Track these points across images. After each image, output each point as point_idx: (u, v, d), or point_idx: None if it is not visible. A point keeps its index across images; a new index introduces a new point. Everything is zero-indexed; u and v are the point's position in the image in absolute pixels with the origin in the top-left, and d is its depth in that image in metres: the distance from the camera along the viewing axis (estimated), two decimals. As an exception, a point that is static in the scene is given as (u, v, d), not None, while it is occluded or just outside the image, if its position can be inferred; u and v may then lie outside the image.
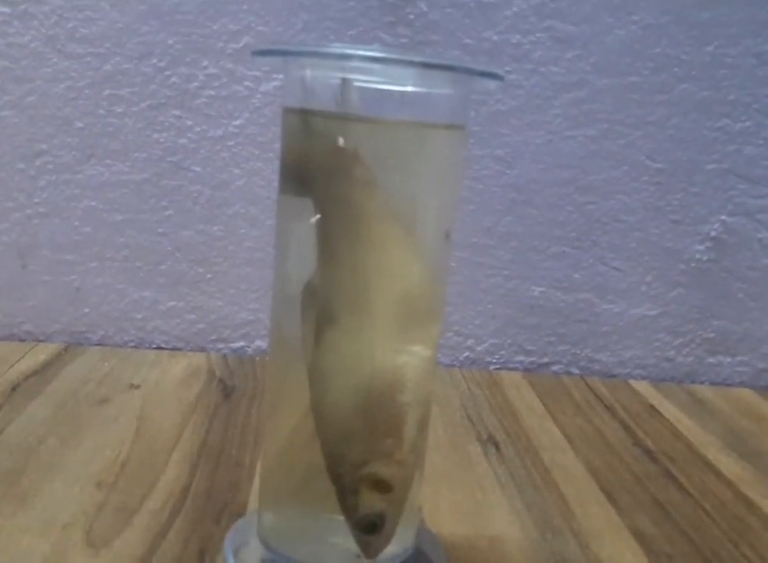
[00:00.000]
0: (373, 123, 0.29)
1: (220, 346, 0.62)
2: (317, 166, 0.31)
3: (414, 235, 0.30)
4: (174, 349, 0.62)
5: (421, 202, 0.30)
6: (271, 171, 0.60)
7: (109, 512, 0.37)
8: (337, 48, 0.27)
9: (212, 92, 0.58)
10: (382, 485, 0.30)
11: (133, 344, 0.62)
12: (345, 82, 0.29)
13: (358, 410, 0.30)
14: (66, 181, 0.59)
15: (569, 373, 0.65)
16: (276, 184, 0.60)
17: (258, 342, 0.62)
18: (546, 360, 0.64)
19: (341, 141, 0.30)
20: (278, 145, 0.59)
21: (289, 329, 0.32)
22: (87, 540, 0.34)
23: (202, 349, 0.62)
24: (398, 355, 0.31)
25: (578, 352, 0.64)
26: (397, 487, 0.30)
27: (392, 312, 0.31)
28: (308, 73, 0.29)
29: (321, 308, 0.31)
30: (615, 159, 0.62)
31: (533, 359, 0.64)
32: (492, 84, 0.29)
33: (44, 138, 0.58)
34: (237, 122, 0.59)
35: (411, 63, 0.27)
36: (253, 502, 0.39)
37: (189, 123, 0.59)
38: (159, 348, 0.62)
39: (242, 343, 0.62)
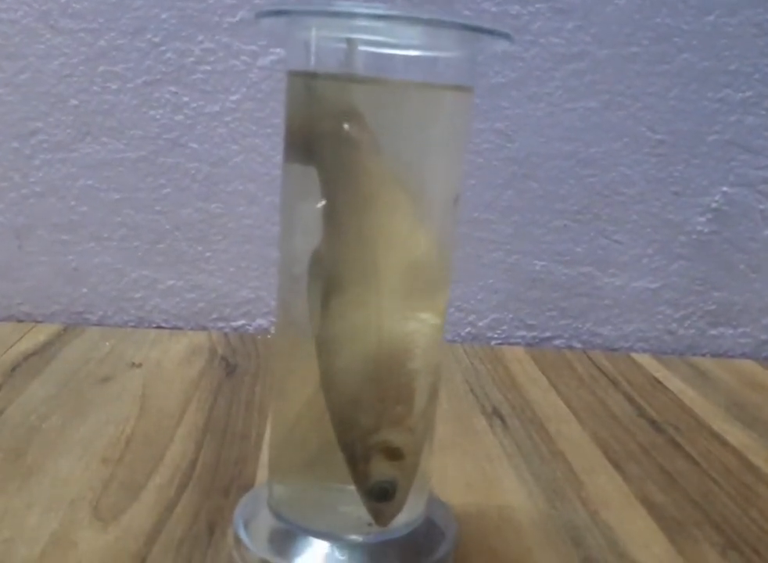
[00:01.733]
0: (379, 85, 0.28)
1: (221, 324, 0.62)
2: (321, 131, 0.30)
3: (422, 201, 0.30)
4: (174, 328, 0.61)
5: (429, 167, 0.29)
6: (270, 147, 0.59)
7: (116, 488, 0.36)
8: (342, 6, 0.26)
9: (208, 67, 0.57)
10: (393, 453, 0.30)
11: (132, 324, 0.61)
12: (350, 42, 0.28)
13: (367, 378, 0.30)
14: (62, 160, 0.58)
15: (571, 347, 0.64)
16: (275, 160, 0.60)
17: (259, 321, 0.62)
18: (548, 334, 0.64)
19: (346, 127, 0.29)
20: (276, 120, 0.59)
21: (296, 307, 0.31)
22: (95, 515, 0.34)
23: (203, 328, 0.62)
24: (406, 323, 0.30)
25: (580, 326, 0.64)
26: (408, 454, 0.30)
27: (399, 280, 0.30)
28: (313, 33, 0.28)
29: (327, 277, 0.30)
30: (616, 131, 0.61)
31: (535, 333, 0.64)
32: (500, 45, 0.28)
33: (38, 116, 0.57)
34: (234, 97, 0.58)
35: (418, 21, 0.26)
36: (261, 475, 0.39)
37: (185, 99, 0.58)
38: (159, 327, 0.61)
39: (243, 322, 0.62)
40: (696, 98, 0.61)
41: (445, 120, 0.29)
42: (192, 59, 0.57)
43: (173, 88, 0.57)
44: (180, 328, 0.61)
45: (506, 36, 0.28)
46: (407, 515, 0.31)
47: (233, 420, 0.45)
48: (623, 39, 0.60)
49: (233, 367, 0.53)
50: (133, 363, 0.52)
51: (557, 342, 0.64)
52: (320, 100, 0.30)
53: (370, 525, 0.31)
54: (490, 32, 0.27)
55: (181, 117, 0.58)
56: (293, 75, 0.30)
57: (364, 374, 0.30)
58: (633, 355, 0.63)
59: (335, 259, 0.30)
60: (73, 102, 0.57)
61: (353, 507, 0.31)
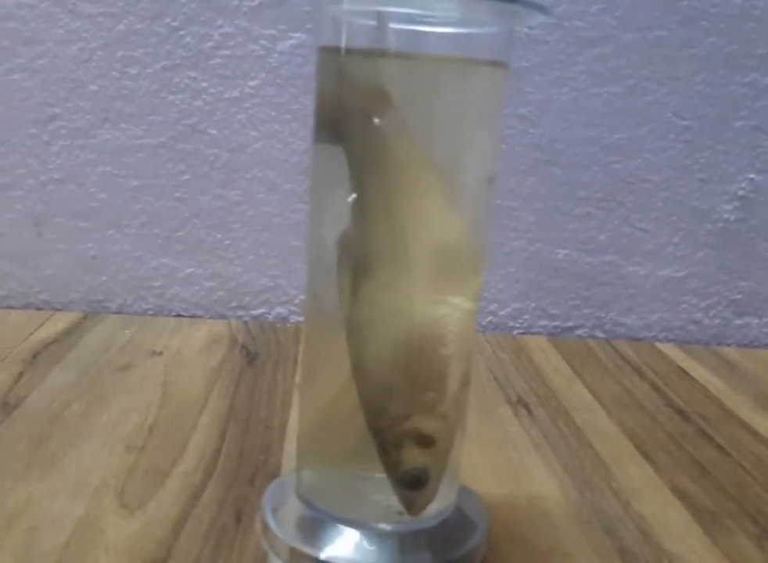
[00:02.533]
0: (411, 60, 0.28)
1: (240, 313, 0.61)
2: (348, 109, 0.30)
3: (455, 181, 0.29)
4: (193, 316, 0.61)
5: (463, 146, 0.28)
6: (289, 133, 0.58)
7: (141, 475, 0.36)
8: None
9: (227, 52, 0.57)
10: (425, 440, 0.29)
11: (152, 312, 0.61)
12: (380, 16, 0.28)
13: (398, 364, 0.29)
14: (81, 146, 0.57)
15: (594, 337, 0.63)
16: (295, 146, 0.59)
17: (278, 309, 0.62)
18: (570, 323, 0.63)
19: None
20: (296, 106, 0.58)
21: (327, 296, 0.30)
22: (120, 503, 0.34)
23: (222, 317, 0.61)
24: (438, 307, 0.29)
25: (603, 315, 0.63)
26: (440, 442, 0.29)
27: (430, 263, 0.29)
28: (343, 7, 0.27)
29: (356, 260, 0.30)
30: (641, 117, 0.60)
31: (557, 323, 0.63)
32: (537, 18, 0.27)
33: (56, 102, 0.57)
34: (253, 82, 0.57)
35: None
36: (286, 464, 0.38)
37: (204, 84, 0.57)
38: (178, 315, 0.61)
39: (262, 310, 0.61)
40: (723, 83, 0.60)
41: (481, 97, 0.28)
42: (211, 43, 0.57)
43: (192, 73, 0.57)
44: (199, 317, 0.61)
45: (544, 9, 0.27)
46: (438, 505, 0.31)
47: (256, 408, 0.44)
48: (649, 22, 0.58)
49: (253, 355, 0.53)
50: (153, 352, 0.52)
51: (579, 331, 0.63)
52: (348, 77, 0.29)
53: (401, 514, 0.30)
54: (529, 5, 0.26)
55: (200, 103, 0.57)
56: (323, 51, 0.30)
57: (396, 359, 0.29)
58: (658, 345, 0.62)
59: (364, 242, 0.30)
60: (92, 87, 0.57)
61: (384, 495, 0.30)
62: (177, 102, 0.57)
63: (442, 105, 0.28)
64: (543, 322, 0.63)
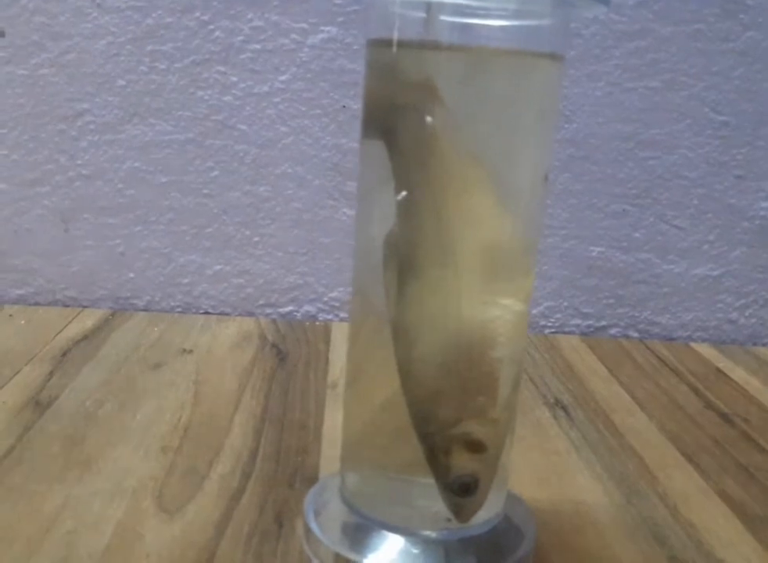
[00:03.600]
0: (463, 53, 0.27)
1: (269, 310, 0.61)
2: (396, 104, 0.29)
3: (508, 179, 0.28)
4: (221, 314, 0.60)
5: (517, 142, 0.27)
6: (319, 129, 0.57)
7: (178, 477, 0.35)
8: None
9: (257, 46, 0.56)
10: (475, 445, 0.28)
11: (180, 309, 0.60)
12: (430, 7, 0.27)
13: (447, 367, 0.28)
14: (109, 142, 0.57)
15: (627, 336, 0.62)
16: (324, 142, 0.58)
17: (307, 307, 0.61)
18: (603, 323, 0.62)
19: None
20: (326, 101, 0.58)
21: (375, 297, 0.30)
22: (159, 505, 0.33)
23: (250, 314, 0.60)
24: (487, 309, 0.29)
25: (637, 314, 0.62)
26: (491, 447, 0.29)
27: (479, 263, 0.29)
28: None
29: (403, 259, 0.29)
30: (678, 112, 0.59)
31: (590, 322, 0.62)
32: (595, 10, 0.26)
33: (84, 97, 0.56)
34: (283, 77, 0.56)
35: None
36: (324, 466, 0.37)
37: (234, 79, 0.56)
38: (206, 313, 0.60)
39: (290, 308, 0.61)
40: (761, 78, 0.58)
41: (536, 91, 0.27)
42: (240, 37, 0.56)
43: (221, 68, 0.56)
44: (227, 314, 0.60)
45: (604, 1, 0.26)
46: (486, 512, 0.30)
47: (290, 408, 0.44)
48: (687, 16, 0.57)
49: (284, 354, 0.52)
50: (183, 350, 0.51)
51: (613, 331, 0.62)
52: (396, 71, 0.28)
53: (449, 520, 0.29)
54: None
55: (229, 98, 0.57)
56: (371, 44, 0.29)
57: (444, 363, 0.28)
58: (692, 345, 0.61)
59: (411, 241, 0.29)
60: (120, 82, 0.56)
61: (429, 501, 0.29)
62: (207, 97, 0.56)
63: (496, 100, 0.27)
64: (576, 321, 0.62)
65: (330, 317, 0.61)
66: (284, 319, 0.60)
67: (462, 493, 0.28)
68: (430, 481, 0.29)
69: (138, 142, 0.57)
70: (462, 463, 0.28)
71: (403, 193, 0.28)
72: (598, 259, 0.61)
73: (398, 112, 0.28)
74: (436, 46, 0.27)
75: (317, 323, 0.60)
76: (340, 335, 0.57)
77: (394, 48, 0.27)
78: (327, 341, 0.55)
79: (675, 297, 0.62)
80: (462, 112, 0.27)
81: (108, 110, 0.56)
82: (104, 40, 0.55)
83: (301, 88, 0.57)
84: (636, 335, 0.62)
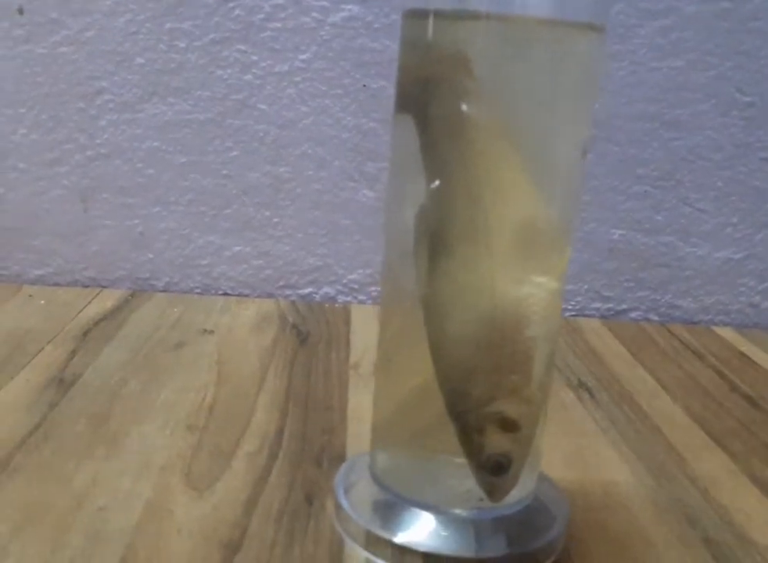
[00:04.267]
0: (500, 22, 0.26)
1: (288, 292, 0.60)
2: (427, 76, 0.28)
3: (545, 153, 0.27)
4: (240, 295, 0.60)
5: (556, 115, 0.27)
6: (340, 108, 0.57)
7: (205, 455, 0.35)
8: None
9: (277, 24, 0.55)
10: (508, 424, 0.28)
11: (198, 290, 0.60)
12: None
13: (481, 345, 0.28)
14: (128, 121, 0.56)
15: (648, 320, 0.62)
16: (345, 122, 0.58)
17: (326, 289, 0.60)
18: (624, 306, 0.62)
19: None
20: (347, 81, 0.57)
21: (406, 282, 0.29)
22: (188, 483, 0.33)
23: (269, 296, 0.60)
24: (521, 287, 0.28)
25: (658, 298, 0.62)
26: (524, 426, 0.28)
27: (512, 240, 0.28)
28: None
29: (434, 235, 0.29)
30: (703, 92, 0.58)
31: (611, 305, 0.62)
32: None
33: (104, 75, 0.56)
34: (304, 56, 0.56)
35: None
36: (351, 445, 0.37)
37: (254, 58, 0.56)
38: (225, 294, 0.60)
39: (310, 290, 0.60)
40: (788, 58, 0.58)
41: (575, 63, 0.26)
42: (261, 15, 0.55)
43: (241, 47, 0.55)
44: (246, 296, 0.60)
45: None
46: (518, 492, 0.30)
47: (313, 389, 0.43)
48: (714, -6, 0.56)
49: (305, 335, 0.52)
50: (204, 330, 0.51)
51: (633, 314, 0.62)
52: (429, 43, 0.28)
53: (481, 500, 0.29)
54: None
55: (249, 77, 0.56)
56: (407, 15, 0.28)
57: (477, 340, 0.28)
58: (714, 328, 0.60)
59: (442, 218, 0.28)
60: (140, 60, 0.55)
61: (460, 480, 0.29)
62: (226, 76, 0.56)
63: (533, 72, 0.26)
64: (596, 304, 0.62)
65: (349, 299, 0.61)
66: (303, 301, 0.60)
67: (495, 472, 0.28)
68: (462, 460, 0.28)
69: (158, 121, 0.56)
70: (496, 442, 0.28)
71: (437, 182, 0.28)
72: (619, 242, 0.60)
73: (430, 86, 0.28)
74: (472, 16, 0.26)
75: (337, 305, 0.59)
76: (360, 316, 0.56)
77: (430, 19, 0.27)
78: (347, 322, 0.55)
79: (697, 280, 0.61)
80: (497, 86, 0.27)
81: (127, 89, 0.56)
82: (123, 17, 0.55)
83: (322, 67, 0.56)
84: (657, 318, 0.62)
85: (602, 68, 0.28)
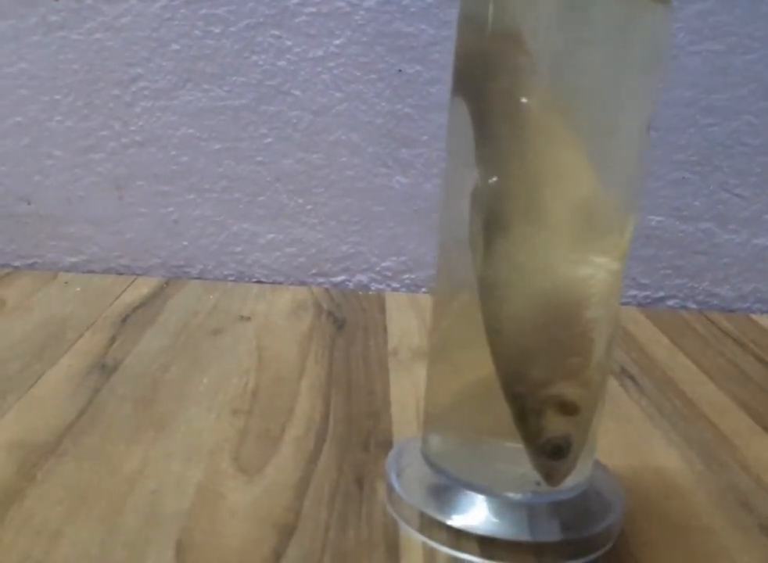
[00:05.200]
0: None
1: (321, 280, 0.60)
2: (479, 54, 0.28)
3: (608, 129, 0.27)
4: (273, 283, 0.60)
5: (621, 91, 0.26)
6: (374, 94, 0.56)
7: (253, 439, 0.35)
8: None
9: (312, 9, 0.55)
10: (568, 407, 0.28)
11: (232, 278, 0.60)
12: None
13: (539, 327, 0.28)
14: (163, 108, 0.56)
15: (686, 308, 0.61)
16: (379, 107, 0.57)
17: (359, 277, 0.60)
18: (661, 294, 0.61)
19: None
20: (382, 66, 0.56)
21: (461, 271, 0.29)
22: (237, 467, 0.33)
23: (302, 283, 0.60)
24: (580, 267, 0.28)
25: (696, 285, 0.61)
26: (584, 409, 0.28)
27: (569, 219, 0.28)
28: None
29: (489, 214, 0.28)
30: (743, 77, 0.57)
31: (648, 293, 0.61)
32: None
33: (139, 62, 0.55)
34: (338, 41, 0.55)
35: None
36: (397, 430, 0.37)
37: (289, 43, 0.55)
38: (258, 282, 0.60)
39: (342, 277, 0.60)
40: (830, 41, 0.56)
41: (640, 36, 0.26)
42: (295, 0, 0.55)
43: (276, 32, 0.55)
44: (279, 283, 0.60)
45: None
46: (575, 476, 0.29)
47: (354, 374, 0.43)
48: (755, -25, 0.55)
49: (341, 322, 0.52)
50: (241, 317, 0.51)
51: (671, 302, 0.61)
52: (482, 18, 0.27)
53: (538, 484, 0.29)
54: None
55: (283, 63, 0.56)
56: (464, -7, 0.28)
57: (536, 322, 0.28)
58: (753, 316, 0.60)
59: (497, 196, 0.28)
60: (174, 46, 0.55)
61: (516, 464, 0.29)
62: (261, 61, 0.56)
63: (596, 46, 0.26)
64: (633, 292, 0.61)
65: (382, 286, 0.60)
66: (336, 288, 0.60)
67: (554, 455, 0.28)
68: (517, 445, 0.28)
69: (192, 108, 0.56)
70: (555, 425, 0.27)
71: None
72: (657, 229, 0.60)
73: (483, 63, 0.28)
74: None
75: (370, 293, 0.59)
76: (395, 304, 0.56)
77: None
78: (382, 310, 0.55)
79: (735, 268, 0.61)
80: (555, 61, 0.26)
81: (162, 75, 0.56)
82: (158, 3, 0.54)
83: (356, 52, 0.56)
84: (694, 306, 0.61)
85: (670, 40, 0.27)
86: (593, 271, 0.28)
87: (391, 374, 0.43)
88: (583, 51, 0.26)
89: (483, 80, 0.28)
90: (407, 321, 0.53)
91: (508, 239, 0.28)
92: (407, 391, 0.41)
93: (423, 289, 0.60)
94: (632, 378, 0.45)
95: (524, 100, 0.27)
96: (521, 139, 0.27)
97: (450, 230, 0.30)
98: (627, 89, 0.26)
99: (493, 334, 0.28)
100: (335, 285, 0.60)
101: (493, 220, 0.28)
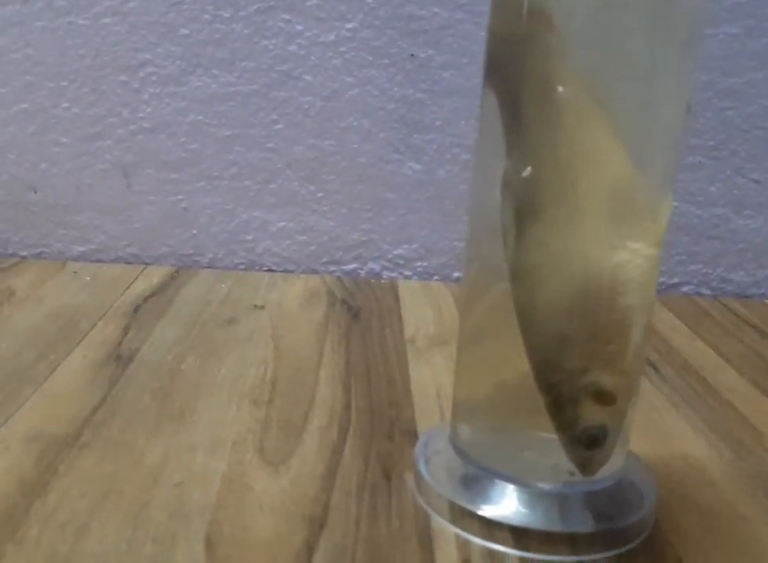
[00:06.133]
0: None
1: (332, 268, 0.59)
2: (510, 33, 0.27)
3: (650, 111, 0.26)
4: (284, 271, 0.59)
5: (661, 69, 0.25)
6: (386, 79, 0.55)
7: (275, 430, 0.34)
8: None
9: (323, -7, 0.54)
10: (604, 396, 0.27)
11: (243, 267, 0.59)
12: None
13: (574, 314, 0.27)
14: (171, 94, 0.55)
15: (700, 294, 0.61)
16: (391, 93, 0.56)
17: (371, 265, 0.59)
18: (675, 280, 0.60)
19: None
20: (393, 50, 0.56)
21: (493, 261, 0.28)
22: (262, 458, 0.32)
23: (314, 272, 0.59)
24: (615, 252, 0.27)
25: (710, 271, 0.60)
26: (620, 398, 0.27)
27: (603, 203, 0.27)
28: None
29: (520, 198, 0.27)
30: (759, 60, 0.56)
31: (662, 279, 0.60)
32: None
33: (147, 47, 0.54)
34: (350, 25, 0.54)
35: None
36: (420, 419, 0.36)
37: (299, 27, 0.54)
38: (270, 270, 0.59)
39: (354, 265, 0.60)
40: None
41: (680, 13, 0.25)
42: (306, -17, 0.54)
43: (286, 16, 0.54)
44: (290, 272, 0.59)
45: None
46: (608, 466, 0.29)
47: (373, 363, 0.43)
48: (772, -44, 0.54)
49: (356, 310, 0.51)
50: (255, 306, 0.50)
51: (685, 288, 0.61)
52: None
53: (572, 474, 0.28)
54: None
55: (294, 47, 0.55)
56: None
57: (570, 309, 0.27)
58: (768, 302, 0.59)
59: (528, 179, 0.27)
60: (183, 31, 0.54)
61: (548, 454, 0.28)
62: (271, 46, 0.55)
63: (636, 26, 0.25)
64: (647, 278, 0.60)
65: (394, 275, 0.60)
66: (347, 276, 0.59)
67: (590, 445, 0.27)
68: (549, 434, 0.28)
69: (201, 94, 0.55)
70: (591, 414, 0.27)
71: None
72: (672, 214, 0.59)
73: (513, 44, 0.27)
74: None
75: (383, 281, 0.58)
76: (408, 292, 0.56)
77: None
78: (396, 298, 0.54)
79: (750, 253, 0.60)
80: (587, 42, 0.26)
81: (170, 61, 0.55)
82: (166, -13, 0.53)
83: (368, 37, 0.55)
84: (708, 292, 0.61)
85: (709, 17, 0.26)
86: (629, 257, 0.27)
87: (410, 363, 0.43)
88: (619, 33, 0.25)
89: (515, 62, 0.27)
90: (422, 309, 0.52)
91: (541, 224, 0.27)
92: (428, 379, 0.41)
93: (435, 277, 0.59)
94: (653, 365, 0.45)
95: (560, 88, 0.26)
96: (553, 122, 0.27)
97: (481, 219, 0.29)
98: (665, 70, 0.25)
99: (527, 322, 0.28)
100: (347, 273, 0.60)
101: (524, 205, 0.27)
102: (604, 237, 0.27)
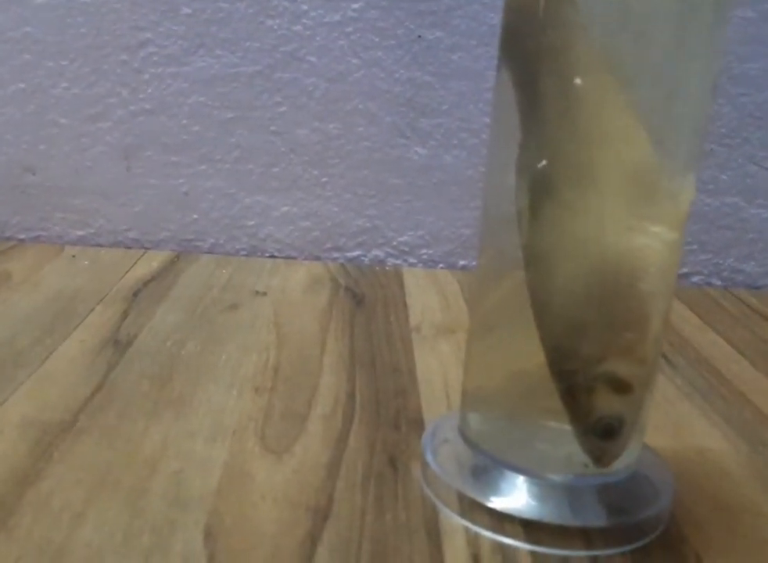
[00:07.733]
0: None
1: (335, 254, 0.58)
2: (527, 8, 0.26)
3: (676, 89, 0.25)
4: (287, 257, 0.58)
5: (686, 47, 0.24)
6: (393, 61, 0.54)
7: (278, 418, 0.33)
8: None
9: (329, -28, 0.53)
10: (621, 385, 0.26)
11: (244, 252, 0.58)
12: None
13: (590, 299, 0.26)
14: (173, 75, 0.54)
15: (710, 284, 0.59)
16: (398, 75, 0.55)
17: (375, 252, 0.58)
18: (685, 270, 0.59)
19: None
20: (400, 31, 0.54)
21: (507, 250, 0.27)
22: (264, 446, 0.31)
23: (317, 258, 0.58)
24: (634, 236, 0.26)
25: (720, 261, 0.59)
26: (637, 388, 0.26)
27: (622, 184, 0.26)
28: None
29: (536, 179, 0.26)
30: (775, 45, 0.55)
31: (672, 269, 0.59)
32: None
33: (148, 26, 0.53)
34: (356, 5, 0.53)
35: None
36: (427, 408, 0.35)
37: (304, 7, 0.53)
38: (272, 256, 0.58)
39: (358, 252, 0.58)
40: None
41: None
42: (311, -38, 0.52)
43: (291, -5, 0.53)
44: (293, 258, 0.58)
45: None
46: (623, 458, 0.28)
47: (377, 351, 0.41)
48: (790, -62, 0.53)
49: (360, 297, 0.50)
50: (257, 292, 0.49)
51: (695, 278, 0.59)
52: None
53: (586, 466, 0.27)
54: None
55: (299, 28, 0.53)
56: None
57: (587, 294, 0.26)
58: (779, 293, 0.58)
59: (543, 157, 0.26)
60: (186, 10, 0.53)
61: (560, 445, 0.27)
62: (275, 26, 0.53)
63: (663, 2, 0.24)
64: (657, 268, 0.59)
65: (399, 262, 0.59)
66: (351, 263, 0.58)
67: (605, 436, 0.26)
68: (562, 425, 0.27)
69: (204, 75, 0.54)
70: (606, 403, 0.26)
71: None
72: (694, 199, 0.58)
73: (529, 20, 0.26)
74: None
75: (387, 268, 0.57)
76: (413, 280, 0.54)
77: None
78: (401, 285, 0.53)
79: (761, 243, 0.59)
80: (605, 16, 0.25)
81: (172, 40, 0.53)
82: (168, -36, 0.52)
83: (375, 17, 0.53)
84: (719, 282, 0.59)
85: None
86: (649, 241, 0.26)
87: (416, 351, 0.42)
88: (644, 11, 0.24)
89: (533, 36, 0.26)
90: (427, 297, 0.51)
91: (556, 204, 0.26)
92: (434, 368, 0.40)
93: (441, 265, 0.58)
94: (664, 356, 0.44)
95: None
96: (571, 99, 0.26)
97: (495, 205, 0.28)
98: (690, 47, 0.24)
99: (541, 307, 0.27)
100: (350, 260, 0.58)
101: (540, 185, 0.26)
102: (622, 218, 0.26)
